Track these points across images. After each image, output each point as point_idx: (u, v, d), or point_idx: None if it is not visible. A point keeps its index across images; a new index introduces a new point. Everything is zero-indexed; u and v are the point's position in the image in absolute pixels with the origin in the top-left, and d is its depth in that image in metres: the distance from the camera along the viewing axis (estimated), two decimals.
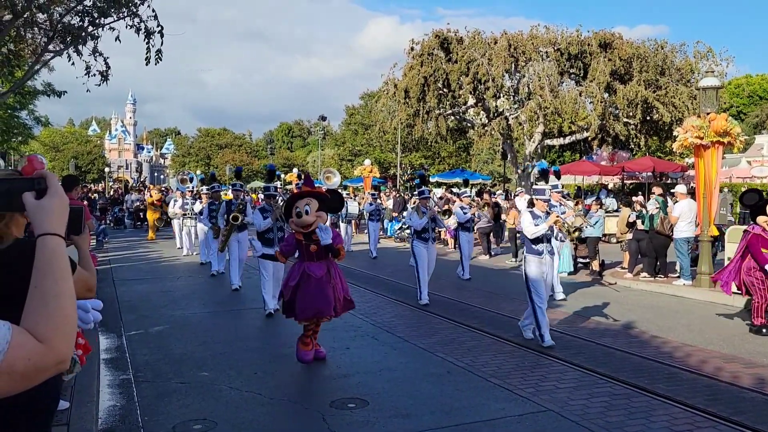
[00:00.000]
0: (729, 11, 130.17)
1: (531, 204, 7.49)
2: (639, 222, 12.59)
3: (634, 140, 23.77)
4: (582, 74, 23.49)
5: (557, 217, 7.12)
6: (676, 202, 12.08)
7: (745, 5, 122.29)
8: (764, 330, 7.81)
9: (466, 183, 15.10)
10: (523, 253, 7.46)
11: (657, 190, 13.40)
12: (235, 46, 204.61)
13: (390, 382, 5.80)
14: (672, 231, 11.94)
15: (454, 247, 16.95)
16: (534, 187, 7.50)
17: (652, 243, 12.12)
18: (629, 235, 13.29)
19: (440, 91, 25.96)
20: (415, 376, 5.99)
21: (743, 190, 28.57)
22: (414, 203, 14.87)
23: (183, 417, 4.90)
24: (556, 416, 4.94)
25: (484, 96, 23.75)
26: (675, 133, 11.74)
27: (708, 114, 10.86)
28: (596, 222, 14.23)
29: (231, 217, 10.42)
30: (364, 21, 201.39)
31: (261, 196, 15.59)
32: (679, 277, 11.83)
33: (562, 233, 7.28)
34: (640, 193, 21.64)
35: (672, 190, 15.12)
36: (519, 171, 28.35)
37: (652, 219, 11.89)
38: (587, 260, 14.33)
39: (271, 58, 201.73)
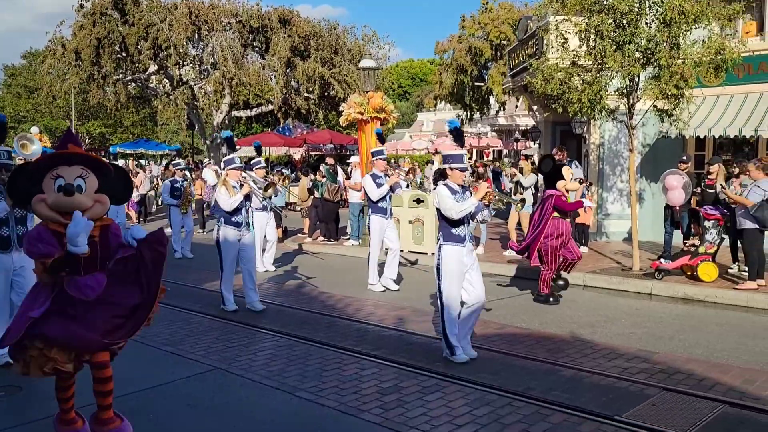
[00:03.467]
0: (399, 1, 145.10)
1: (443, 175, 5.75)
2: (316, 191, 13.68)
3: (314, 114, 25.40)
4: (264, 48, 24.12)
5: (488, 188, 5.53)
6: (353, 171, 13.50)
7: None
8: (551, 299, 7.89)
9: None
10: (438, 240, 5.59)
11: (329, 160, 14.69)
12: None
13: None
14: (341, 198, 13.32)
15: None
16: (446, 153, 5.73)
17: (324, 209, 13.31)
18: (309, 203, 14.34)
19: (118, 55, 24.11)
20: None
21: (407, 160, 32.62)
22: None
23: None
24: (223, 373, 5.25)
25: (167, 63, 22.83)
26: (340, 109, 12.93)
27: (367, 92, 12.22)
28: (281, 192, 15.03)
29: None
30: None
31: None
32: (349, 238, 13.23)
33: (489, 210, 5.66)
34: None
35: (348, 161, 16.72)
36: (208, 142, 28.05)
37: (321, 187, 13.03)
38: None
39: None
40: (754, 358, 5.65)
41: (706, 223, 8.73)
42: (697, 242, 8.99)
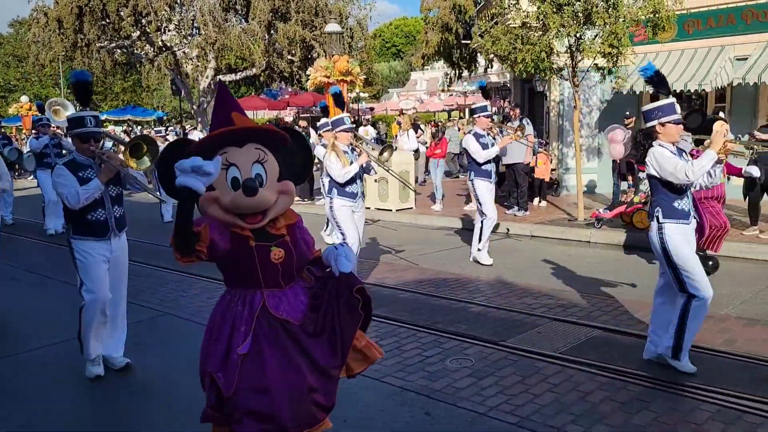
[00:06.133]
0: None
1: (649, 136, 4.29)
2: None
3: (297, 77, 25.69)
4: (246, 11, 24.31)
5: (725, 137, 4.46)
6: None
7: None
8: (710, 263, 6.76)
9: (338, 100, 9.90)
10: (657, 219, 4.23)
11: (302, 123, 15.19)
12: None
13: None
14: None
15: None
16: (651, 106, 4.28)
17: None
18: None
19: (101, 22, 24.34)
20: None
21: (396, 120, 32.98)
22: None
23: None
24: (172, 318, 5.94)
25: (148, 30, 23.09)
26: (307, 73, 13.39)
27: (333, 56, 12.67)
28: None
29: None
30: None
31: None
32: (321, 198, 13.86)
33: (721, 166, 4.50)
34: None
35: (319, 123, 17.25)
36: (195, 107, 28.44)
37: None
38: None
39: None
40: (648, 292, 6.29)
41: (640, 175, 9.29)
42: (632, 193, 9.57)
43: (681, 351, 4.20)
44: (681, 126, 4.23)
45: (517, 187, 11.08)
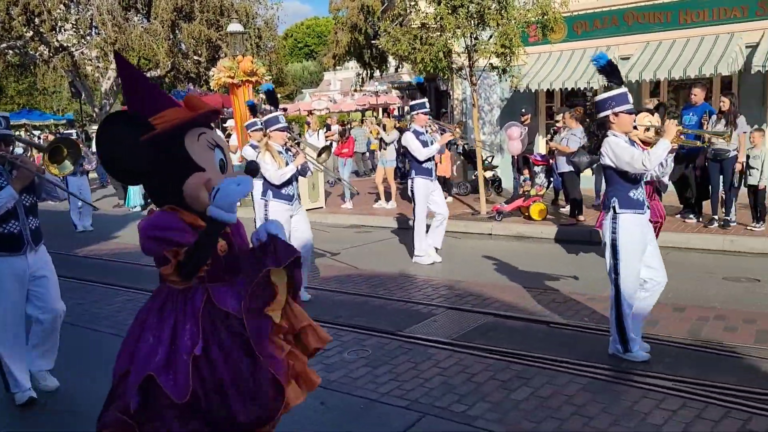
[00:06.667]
0: None
1: (603, 126, 4.36)
2: None
3: (204, 78, 25.15)
4: (147, 11, 23.56)
5: (677, 126, 4.36)
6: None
7: None
8: None
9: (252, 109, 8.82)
10: (613, 210, 4.27)
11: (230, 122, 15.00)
12: None
13: None
14: None
15: None
16: (602, 96, 4.33)
17: None
18: None
19: None
20: None
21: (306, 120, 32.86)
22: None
23: None
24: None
25: (42, 29, 21.97)
26: (210, 73, 13.22)
27: (236, 56, 12.55)
28: None
29: None
30: None
31: None
32: None
33: (672, 158, 4.45)
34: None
35: (225, 125, 17.08)
36: (97, 110, 27.30)
37: None
38: None
39: None
40: (537, 279, 6.69)
41: (536, 168, 9.80)
42: (529, 186, 10.08)
43: (628, 342, 4.30)
44: (634, 116, 4.30)
45: None
